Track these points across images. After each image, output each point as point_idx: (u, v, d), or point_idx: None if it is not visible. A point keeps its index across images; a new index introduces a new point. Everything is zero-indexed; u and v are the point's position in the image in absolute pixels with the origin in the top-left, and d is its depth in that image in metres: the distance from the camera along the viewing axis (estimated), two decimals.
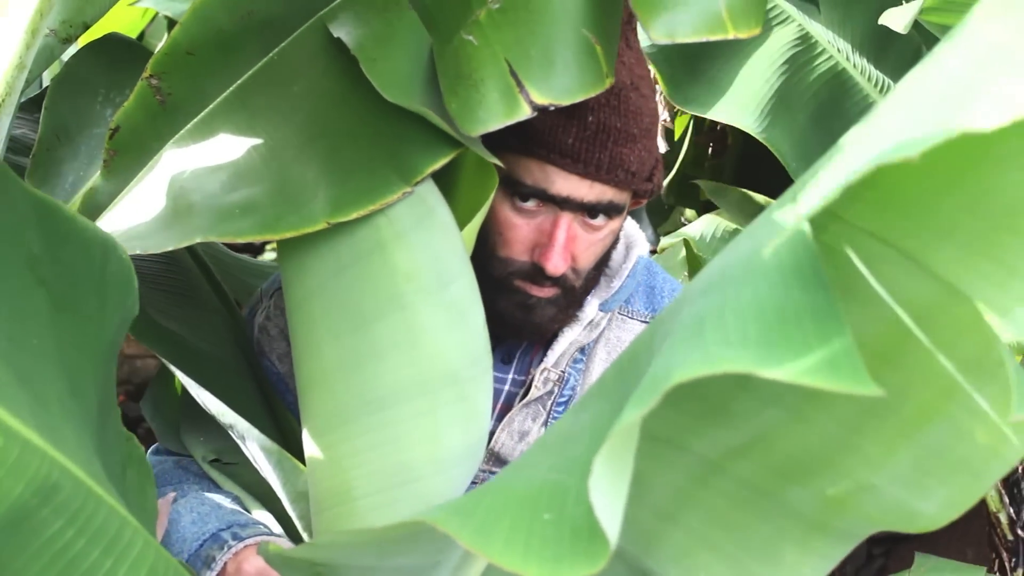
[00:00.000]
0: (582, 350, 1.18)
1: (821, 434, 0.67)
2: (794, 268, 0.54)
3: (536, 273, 1.06)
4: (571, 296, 1.10)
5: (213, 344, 1.14)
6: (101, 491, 0.67)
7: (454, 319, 0.86)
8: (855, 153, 0.51)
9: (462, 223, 0.91)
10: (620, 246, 1.21)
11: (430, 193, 0.86)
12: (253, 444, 0.98)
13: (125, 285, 0.76)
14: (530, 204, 1.05)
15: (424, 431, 0.85)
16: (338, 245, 0.85)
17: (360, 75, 0.87)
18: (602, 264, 1.14)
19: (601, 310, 1.17)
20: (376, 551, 0.71)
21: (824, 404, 0.66)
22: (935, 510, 0.65)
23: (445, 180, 0.88)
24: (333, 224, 0.83)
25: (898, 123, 0.49)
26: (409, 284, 0.84)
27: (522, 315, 1.09)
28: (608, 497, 0.53)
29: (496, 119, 0.85)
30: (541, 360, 1.17)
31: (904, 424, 0.64)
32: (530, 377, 1.16)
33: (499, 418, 1.16)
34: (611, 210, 1.07)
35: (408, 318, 0.84)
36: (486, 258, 1.07)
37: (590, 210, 1.05)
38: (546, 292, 1.08)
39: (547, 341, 1.17)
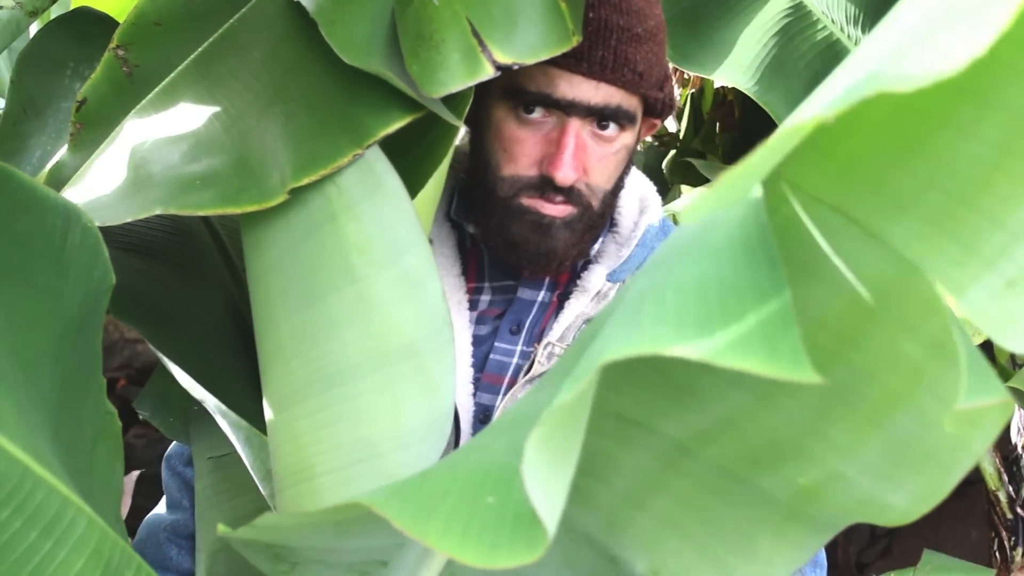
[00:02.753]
0: (589, 322, 1.14)
1: (788, 419, 0.65)
2: (743, 243, 0.51)
3: (545, 185, 1.02)
4: (588, 218, 1.05)
5: (209, 322, 1.12)
6: (41, 470, 0.65)
7: (409, 290, 0.84)
8: (797, 116, 0.48)
9: (415, 190, 0.88)
10: (635, 212, 1.16)
11: (379, 162, 0.84)
12: (224, 422, 0.97)
13: (91, 255, 0.74)
14: (535, 115, 1.02)
15: (383, 406, 0.83)
16: (293, 218, 0.83)
17: (318, 38, 0.84)
18: (618, 189, 1.09)
19: (609, 280, 1.13)
20: (333, 532, 0.69)
21: (789, 388, 0.64)
22: (906, 503, 0.63)
23: (396, 148, 0.86)
24: (291, 194, 0.81)
25: (844, 82, 0.46)
26: (361, 256, 0.82)
27: (536, 238, 1.04)
28: (545, 482, 0.50)
29: (458, 80, 0.82)
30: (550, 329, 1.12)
31: (872, 411, 0.62)
32: (535, 350, 1.12)
33: (505, 393, 1.12)
34: (621, 116, 1.03)
35: (361, 291, 0.82)
36: (493, 180, 1.04)
37: (598, 115, 1.01)
38: (559, 210, 1.04)
39: (557, 311, 1.13)
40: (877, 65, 0.42)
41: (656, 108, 1.08)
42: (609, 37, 1.00)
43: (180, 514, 1.23)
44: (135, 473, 2.59)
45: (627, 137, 1.05)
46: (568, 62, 0.99)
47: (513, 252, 1.07)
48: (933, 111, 0.51)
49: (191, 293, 1.15)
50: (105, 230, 0.77)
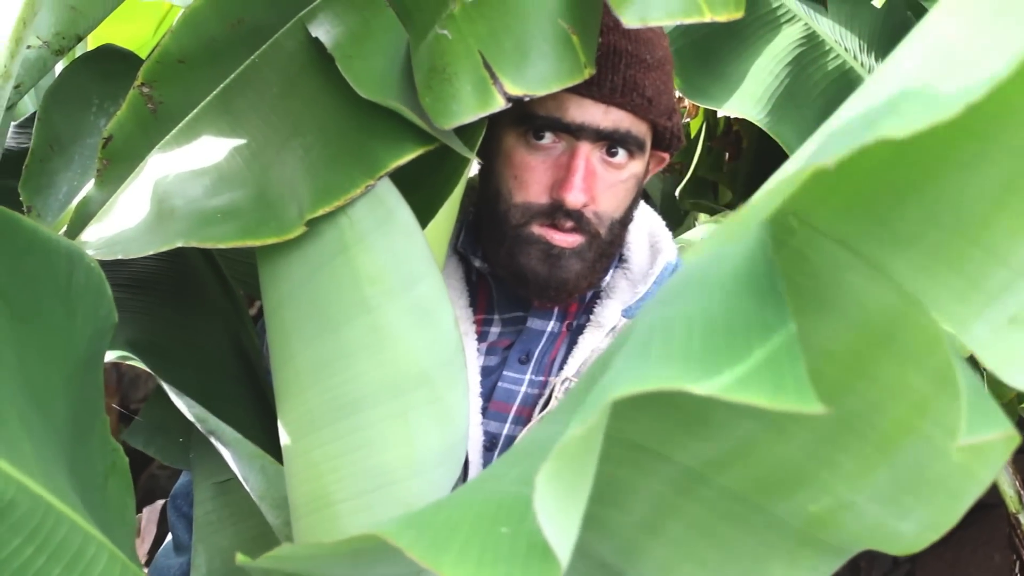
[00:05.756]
0: None
1: (799, 447, 0.66)
2: (749, 278, 0.52)
3: (555, 211, 1.03)
4: (597, 247, 1.06)
5: (209, 350, 1.13)
6: (63, 507, 0.66)
7: (422, 320, 0.85)
8: (801, 156, 0.49)
9: (427, 222, 0.90)
10: (645, 248, 1.17)
11: (389, 194, 0.86)
12: (236, 452, 0.98)
13: (95, 295, 0.76)
14: (546, 140, 1.03)
15: (398, 433, 0.84)
16: (307, 250, 0.85)
17: (335, 73, 0.86)
18: (627, 220, 1.10)
19: (624, 316, 1.13)
20: (350, 561, 0.70)
21: (799, 417, 0.65)
22: (915, 531, 0.64)
23: (409, 180, 0.88)
24: (308, 226, 0.83)
25: (845, 124, 0.47)
26: (373, 287, 0.83)
27: (546, 269, 1.05)
28: (558, 514, 0.51)
29: (470, 112, 0.84)
30: (562, 362, 1.13)
31: (880, 440, 0.62)
32: (549, 384, 1.12)
33: (516, 421, 1.13)
34: (630, 142, 1.04)
35: (374, 321, 0.84)
36: (505, 208, 1.05)
37: (608, 139, 1.03)
38: (568, 239, 1.04)
39: (568, 343, 1.14)
40: (876, 109, 0.43)
41: (664, 138, 1.09)
42: (618, 62, 1.02)
43: (189, 557, 1.22)
44: (159, 503, 2.61)
45: (636, 166, 1.06)
46: (578, 86, 1.00)
47: (523, 283, 1.07)
48: (936, 148, 0.51)
49: (190, 324, 1.17)
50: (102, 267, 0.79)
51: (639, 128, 1.04)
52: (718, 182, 2.33)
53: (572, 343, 1.13)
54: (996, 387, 1.91)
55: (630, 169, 1.06)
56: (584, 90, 1.00)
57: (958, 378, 0.49)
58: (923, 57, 0.45)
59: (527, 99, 0.85)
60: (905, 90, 0.42)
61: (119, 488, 0.79)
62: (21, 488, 0.64)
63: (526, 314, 1.14)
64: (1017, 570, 1.90)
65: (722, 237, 0.46)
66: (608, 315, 1.13)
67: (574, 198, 1.01)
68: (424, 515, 0.58)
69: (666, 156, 1.13)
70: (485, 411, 1.13)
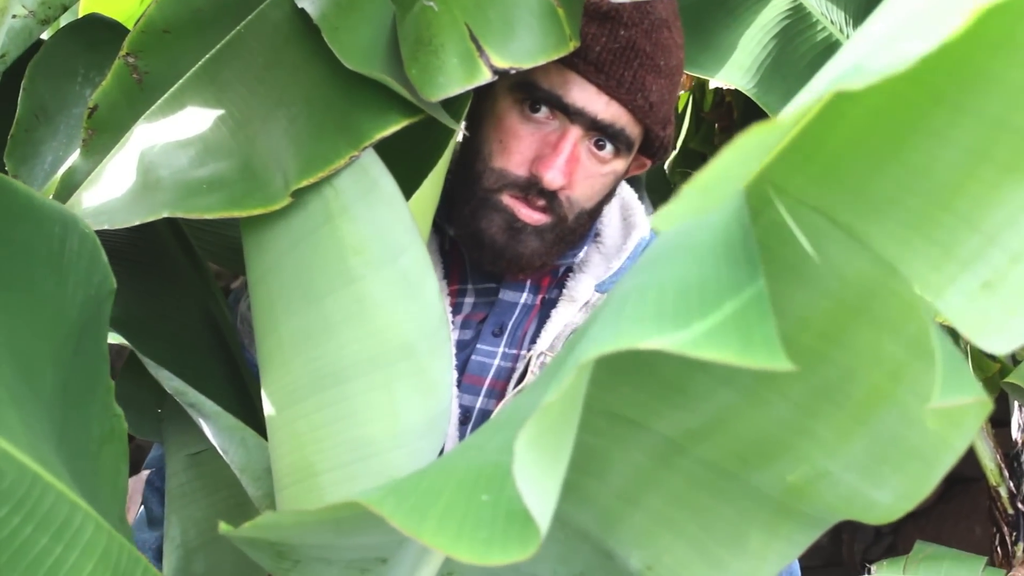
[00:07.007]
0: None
1: (776, 417, 0.66)
2: (725, 245, 0.53)
3: (530, 187, 1.02)
4: (559, 231, 1.06)
5: (181, 323, 1.13)
6: (49, 477, 0.67)
7: (405, 291, 0.85)
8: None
9: (412, 193, 0.90)
10: (618, 222, 1.17)
11: (374, 165, 0.86)
12: (215, 425, 0.98)
13: (89, 261, 0.75)
14: (541, 114, 1.02)
15: (381, 404, 0.84)
16: (292, 219, 0.85)
17: (320, 43, 0.86)
18: (596, 212, 1.10)
19: (598, 291, 1.13)
20: (333, 530, 0.71)
21: (776, 386, 0.65)
22: (890, 500, 0.64)
23: (394, 151, 0.88)
24: (294, 196, 0.83)
25: (812, 87, 0.48)
26: (357, 257, 0.83)
27: (504, 239, 1.04)
28: (537, 481, 0.52)
29: (456, 84, 0.84)
30: (535, 336, 1.13)
31: (856, 408, 0.63)
32: (522, 358, 1.12)
33: (489, 394, 1.13)
34: (620, 140, 1.03)
35: (358, 291, 0.84)
36: (481, 168, 1.04)
37: (601, 131, 1.02)
38: (535, 216, 1.04)
39: (540, 316, 1.14)
40: (840, 70, 0.43)
41: (653, 146, 1.09)
42: (633, 59, 1.01)
43: (162, 531, 1.22)
44: (145, 473, 2.60)
45: (619, 164, 1.06)
46: (588, 70, 1.00)
47: (478, 246, 1.06)
48: (909, 117, 0.52)
49: (162, 297, 1.16)
50: None
51: (633, 129, 1.04)
52: (708, 154, 2.34)
53: (545, 317, 1.13)
54: (979, 362, 1.92)
55: (612, 166, 1.05)
56: (593, 75, 1.00)
57: (934, 343, 0.49)
58: (892, 23, 0.46)
59: (513, 71, 0.85)
60: (871, 51, 0.42)
61: (114, 454, 0.79)
62: (7, 458, 0.64)
63: (498, 285, 1.14)
64: (997, 543, 1.92)
65: (689, 205, 0.46)
66: (581, 290, 1.13)
67: (552, 177, 1.01)
68: (406, 483, 0.58)
69: (648, 162, 1.13)
70: (459, 384, 1.13)
